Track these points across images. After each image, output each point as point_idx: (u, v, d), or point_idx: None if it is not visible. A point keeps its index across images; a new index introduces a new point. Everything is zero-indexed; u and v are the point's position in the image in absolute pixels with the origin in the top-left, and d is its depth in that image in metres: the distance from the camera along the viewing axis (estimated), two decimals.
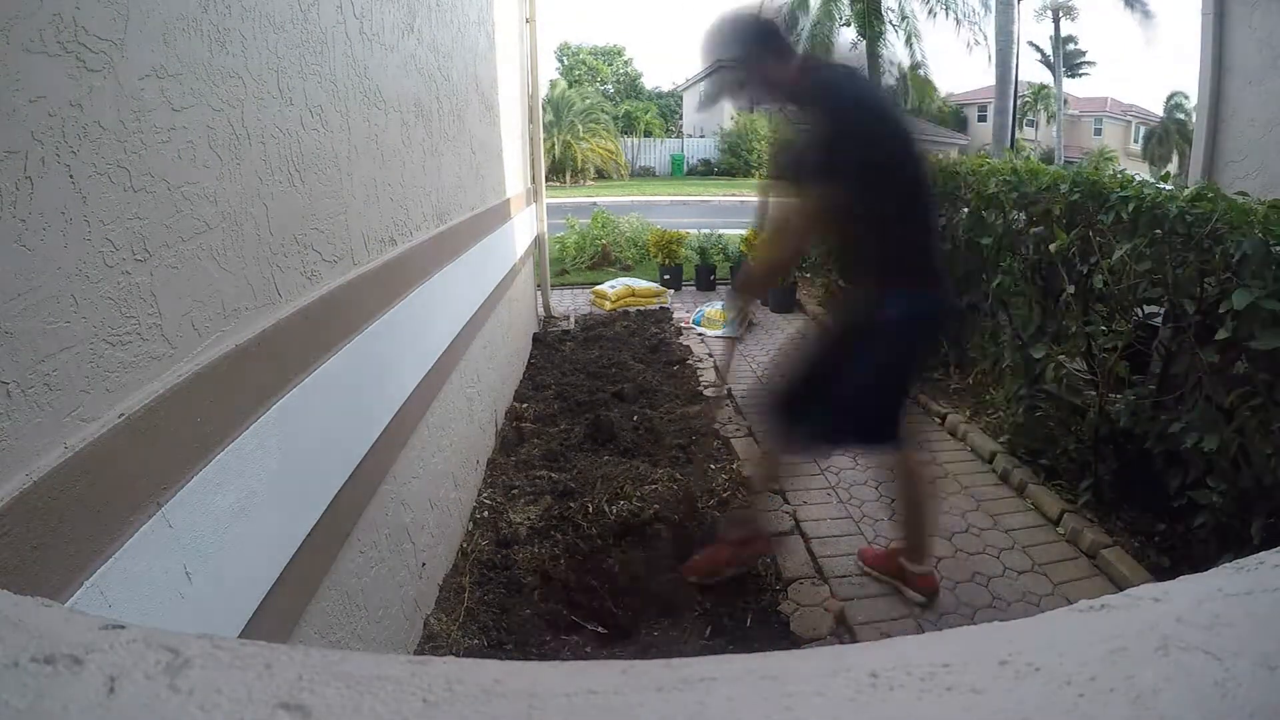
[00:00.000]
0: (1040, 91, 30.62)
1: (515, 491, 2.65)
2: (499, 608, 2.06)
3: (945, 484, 2.84)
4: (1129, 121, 32.17)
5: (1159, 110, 29.74)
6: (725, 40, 1.88)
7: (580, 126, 22.22)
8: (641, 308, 5.58)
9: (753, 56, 1.85)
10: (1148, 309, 2.59)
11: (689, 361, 4.28)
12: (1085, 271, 2.61)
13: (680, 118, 34.31)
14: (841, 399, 1.91)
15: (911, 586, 2.10)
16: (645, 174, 26.06)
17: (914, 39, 15.28)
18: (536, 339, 4.63)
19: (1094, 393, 2.58)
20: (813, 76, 1.85)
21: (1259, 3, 3.86)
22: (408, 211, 1.95)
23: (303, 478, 1.25)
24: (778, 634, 2.00)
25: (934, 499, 2.20)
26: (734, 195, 18.05)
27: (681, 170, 26.23)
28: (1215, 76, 4.13)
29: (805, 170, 1.82)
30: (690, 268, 6.60)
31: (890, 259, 1.85)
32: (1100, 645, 0.35)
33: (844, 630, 2.03)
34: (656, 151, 27.22)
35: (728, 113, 26.03)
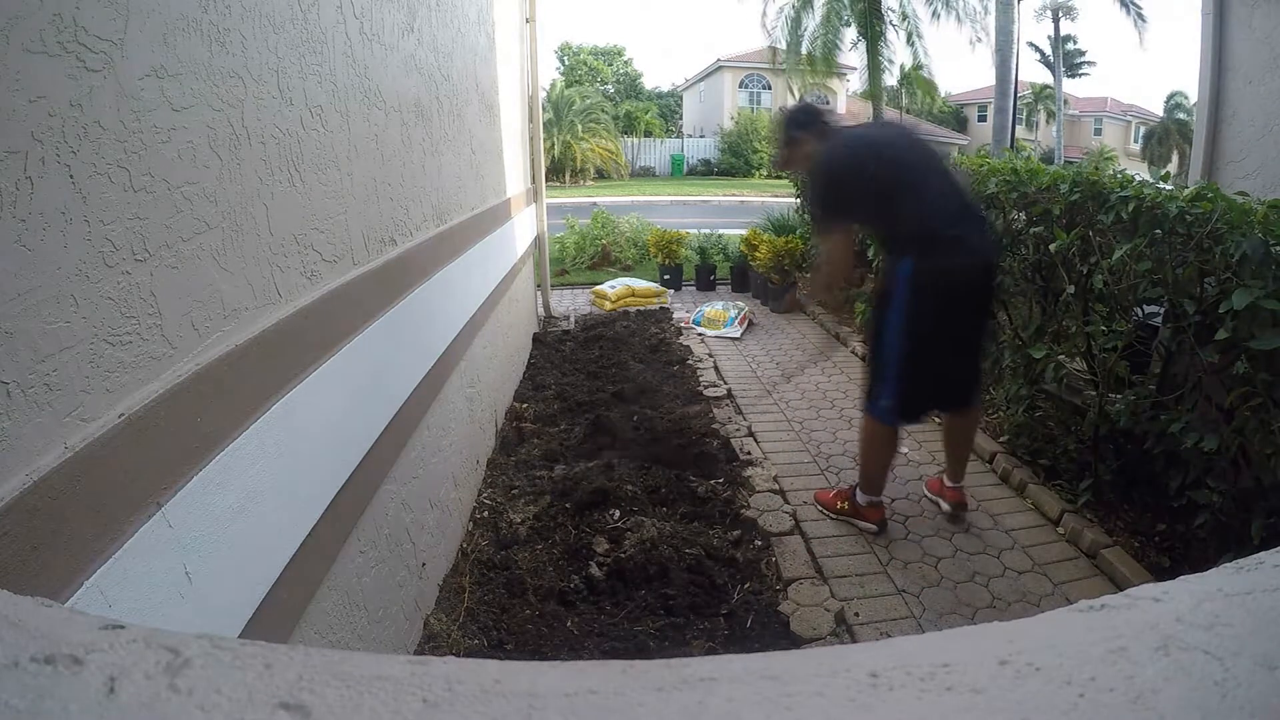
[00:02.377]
0: (1040, 91, 30.64)
1: (515, 491, 2.65)
2: (499, 608, 2.06)
3: None
4: (1129, 121, 32.19)
5: (1159, 110, 29.77)
6: (784, 123, 2.50)
7: (580, 126, 22.22)
8: (641, 308, 5.58)
9: (796, 134, 2.43)
10: (1148, 309, 2.59)
11: (689, 361, 4.28)
12: (1085, 271, 2.61)
13: (680, 118, 34.32)
14: (883, 367, 2.29)
15: (862, 519, 2.49)
16: (645, 174, 26.06)
17: (915, 39, 15.26)
18: (536, 339, 4.63)
19: (1094, 393, 2.58)
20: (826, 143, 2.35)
21: (1259, 3, 3.86)
22: (407, 211, 1.95)
23: (303, 478, 1.24)
24: (778, 634, 2.00)
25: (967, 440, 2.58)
26: (734, 195, 18.05)
27: (681, 170, 26.24)
28: (1215, 76, 4.13)
29: (824, 215, 2.36)
30: (690, 268, 6.60)
31: (892, 237, 2.28)
32: (1100, 645, 0.35)
33: (844, 630, 2.03)
34: (656, 151, 27.23)
35: (727, 112, 26.05)
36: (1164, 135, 27.38)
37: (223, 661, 0.33)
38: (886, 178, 2.19)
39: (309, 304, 1.31)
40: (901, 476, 2.90)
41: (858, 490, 2.50)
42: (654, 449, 2.95)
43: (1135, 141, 31.25)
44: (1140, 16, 22.15)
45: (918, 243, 2.17)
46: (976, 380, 2.46)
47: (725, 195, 18.10)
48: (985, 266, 2.28)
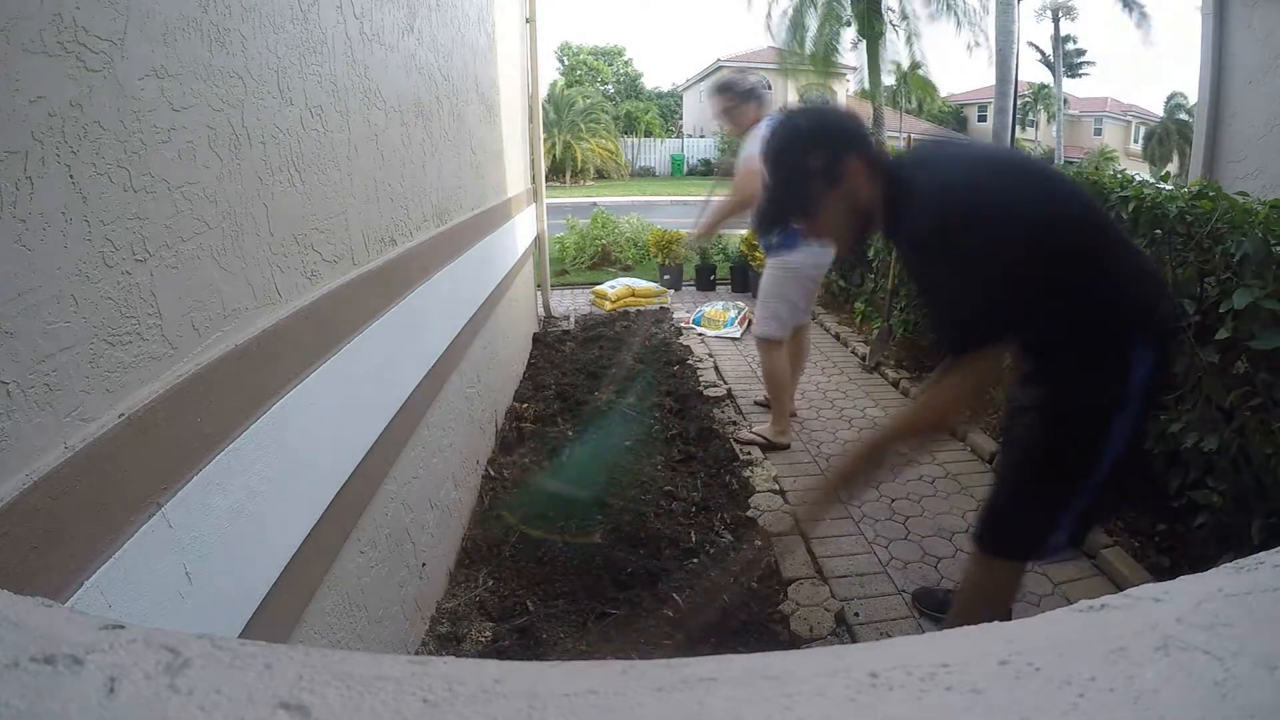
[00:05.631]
0: (1040, 91, 30.64)
1: (515, 491, 2.65)
2: (500, 607, 2.06)
3: (945, 484, 2.84)
4: (1129, 121, 32.19)
5: (1159, 110, 29.77)
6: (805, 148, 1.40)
7: (580, 126, 22.23)
8: (641, 308, 5.58)
9: (827, 174, 1.37)
10: None
11: (689, 362, 4.28)
12: None
13: (680, 118, 34.31)
14: (1071, 491, 1.46)
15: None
16: (645, 174, 26.06)
17: (914, 39, 15.28)
18: (536, 339, 4.63)
19: None
20: (898, 187, 1.37)
21: (1259, 3, 3.87)
22: (408, 211, 1.95)
23: (303, 478, 1.24)
24: (778, 634, 2.00)
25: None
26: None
27: (681, 170, 26.22)
28: (1215, 76, 4.13)
29: (964, 331, 1.33)
30: (690, 268, 6.60)
31: (1102, 316, 1.36)
32: (1100, 645, 0.35)
33: (844, 630, 2.03)
34: (656, 151, 27.22)
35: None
36: (1164, 135, 27.37)
37: (223, 661, 0.33)
38: (1094, 224, 1.40)
39: (309, 304, 1.31)
40: (902, 476, 2.90)
41: None
42: None
43: (1135, 141, 31.24)
44: (1143, 15, 22.17)
45: (1147, 314, 1.38)
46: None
47: (726, 195, 18.04)
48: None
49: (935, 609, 2.05)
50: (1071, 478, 1.42)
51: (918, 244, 1.37)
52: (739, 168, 2.97)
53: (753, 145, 2.82)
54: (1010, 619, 1.93)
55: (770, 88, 3.27)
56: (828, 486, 1.50)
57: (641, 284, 5.86)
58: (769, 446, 3.09)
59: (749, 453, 3.07)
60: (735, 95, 2.99)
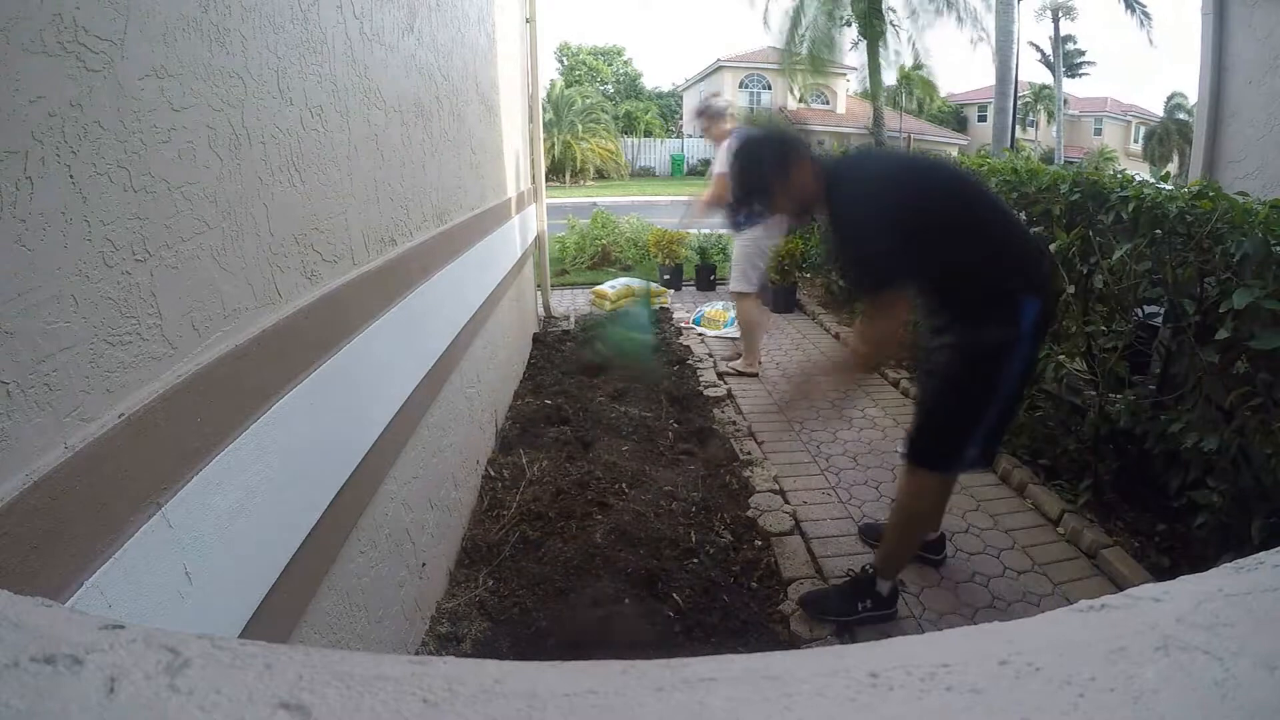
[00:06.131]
0: (1040, 91, 30.64)
1: (515, 491, 2.65)
2: (500, 607, 2.06)
3: None
4: (1129, 121, 32.18)
5: (1159, 110, 29.78)
6: (751, 161, 1.88)
7: (580, 126, 22.23)
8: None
9: (778, 175, 1.82)
10: (1148, 309, 2.59)
11: (689, 361, 4.28)
12: (1085, 271, 2.61)
13: (680, 118, 34.31)
14: (977, 415, 1.84)
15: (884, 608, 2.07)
16: (645, 174, 26.07)
17: (914, 39, 15.28)
18: (536, 339, 4.63)
19: (1094, 393, 2.58)
20: (829, 179, 1.82)
21: (1259, 3, 3.86)
22: (408, 211, 1.95)
23: (303, 478, 1.24)
24: (778, 634, 2.00)
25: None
26: None
27: (681, 170, 26.22)
28: (1215, 76, 4.13)
29: (871, 278, 1.76)
30: (690, 268, 6.60)
31: (991, 274, 1.79)
32: (1100, 645, 0.35)
33: (844, 630, 2.03)
34: (656, 151, 27.23)
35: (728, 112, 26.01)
36: (1164, 135, 27.38)
37: (223, 661, 0.33)
38: (968, 200, 1.83)
39: (309, 304, 1.31)
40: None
41: (878, 579, 2.02)
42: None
43: (1135, 141, 31.25)
44: (1145, 15, 22.18)
45: (1030, 270, 1.80)
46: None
47: (703, 195, 18.02)
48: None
49: (878, 539, 2.30)
50: (979, 401, 1.81)
51: (841, 219, 1.80)
52: (713, 175, 3.91)
53: (724, 154, 3.64)
54: (938, 530, 2.12)
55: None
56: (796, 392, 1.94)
57: (641, 284, 5.86)
58: (740, 375, 4.12)
59: (749, 452, 3.08)
60: (710, 116, 4.02)
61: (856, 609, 2.02)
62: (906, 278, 1.76)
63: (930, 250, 1.72)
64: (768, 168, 1.84)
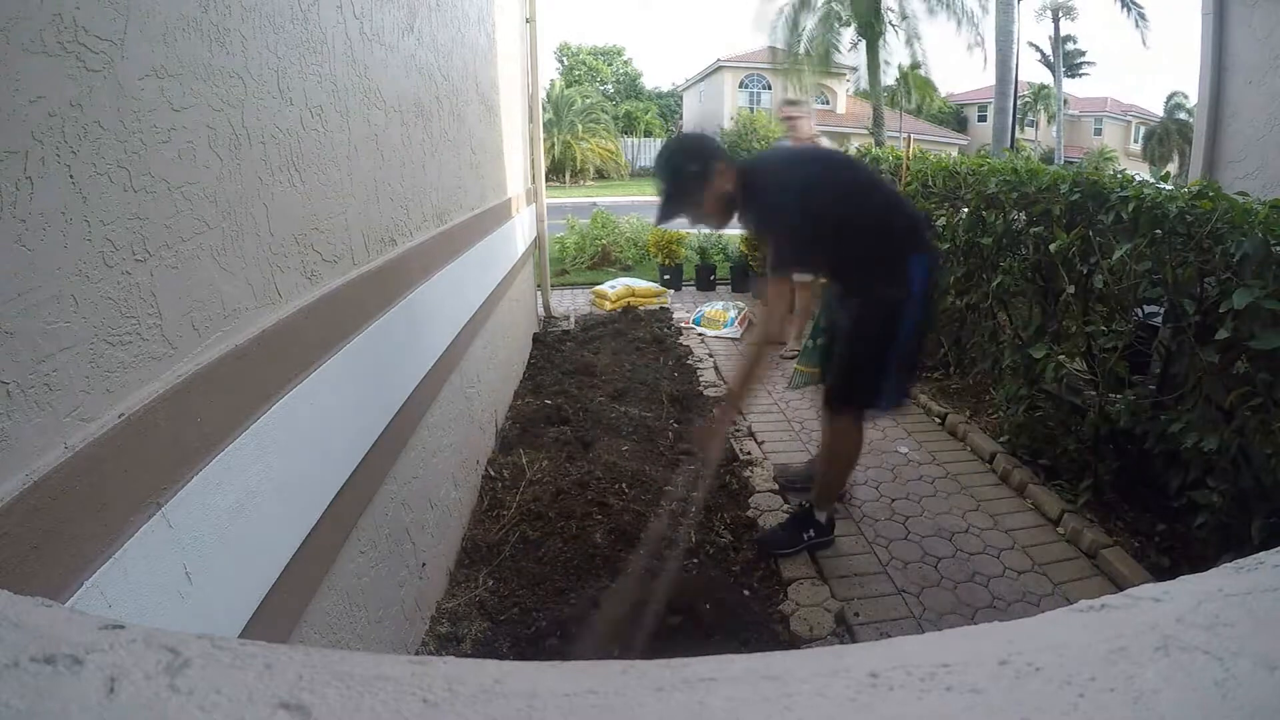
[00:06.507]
0: (1040, 91, 30.64)
1: (515, 491, 2.65)
2: (500, 607, 2.06)
3: (945, 484, 2.85)
4: (1129, 121, 32.18)
5: (1159, 110, 29.78)
6: (676, 163, 2.08)
7: (580, 126, 22.23)
8: (641, 308, 5.58)
9: (703, 176, 2.03)
10: (1148, 309, 2.59)
11: (689, 362, 4.28)
12: (1085, 271, 2.61)
13: (680, 117, 34.29)
14: (886, 365, 2.16)
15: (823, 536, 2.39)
16: (645, 174, 26.04)
17: (914, 39, 15.28)
18: (536, 339, 4.63)
19: (1094, 393, 2.58)
20: (743, 177, 2.07)
21: (1259, 3, 3.86)
22: (408, 211, 1.95)
23: (303, 478, 1.24)
24: (778, 634, 2.00)
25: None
26: None
27: None
28: (1215, 76, 4.13)
29: (788, 252, 2.03)
30: (690, 268, 6.59)
31: (886, 240, 2.11)
32: (1100, 645, 0.35)
33: (844, 630, 2.03)
34: (656, 151, 27.16)
35: (727, 112, 26.07)
36: (1164, 135, 27.37)
37: (223, 661, 0.33)
38: (858, 182, 2.17)
39: (309, 304, 1.31)
40: (902, 476, 2.90)
41: (815, 510, 2.35)
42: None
43: (1135, 141, 31.24)
44: (1141, 16, 22.18)
45: (913, 237, 2.11)
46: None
47: None
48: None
49: (795, 480, 2.75)
50: (883, 349, 2.11)
51: (754, 211, 2.11)
52: None
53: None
54: (852, 464, 2.46)
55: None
56: (727, 410, 2.13)
57: (641, 284, 5.86)
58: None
59: (749, 452, 3.07)
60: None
61: (802, 538, 2.32)
62: (816, 252, 2.12)
63: (830, 225, 2.00)
64: (690, 173, 2.04)
